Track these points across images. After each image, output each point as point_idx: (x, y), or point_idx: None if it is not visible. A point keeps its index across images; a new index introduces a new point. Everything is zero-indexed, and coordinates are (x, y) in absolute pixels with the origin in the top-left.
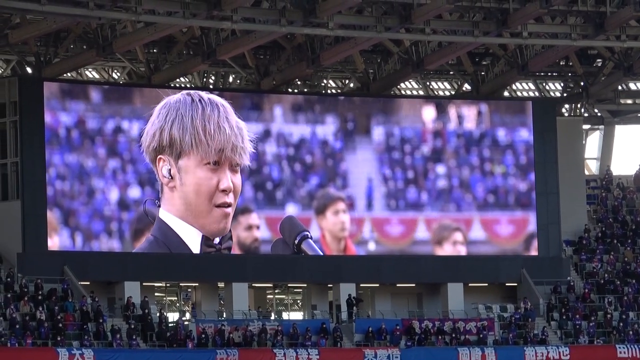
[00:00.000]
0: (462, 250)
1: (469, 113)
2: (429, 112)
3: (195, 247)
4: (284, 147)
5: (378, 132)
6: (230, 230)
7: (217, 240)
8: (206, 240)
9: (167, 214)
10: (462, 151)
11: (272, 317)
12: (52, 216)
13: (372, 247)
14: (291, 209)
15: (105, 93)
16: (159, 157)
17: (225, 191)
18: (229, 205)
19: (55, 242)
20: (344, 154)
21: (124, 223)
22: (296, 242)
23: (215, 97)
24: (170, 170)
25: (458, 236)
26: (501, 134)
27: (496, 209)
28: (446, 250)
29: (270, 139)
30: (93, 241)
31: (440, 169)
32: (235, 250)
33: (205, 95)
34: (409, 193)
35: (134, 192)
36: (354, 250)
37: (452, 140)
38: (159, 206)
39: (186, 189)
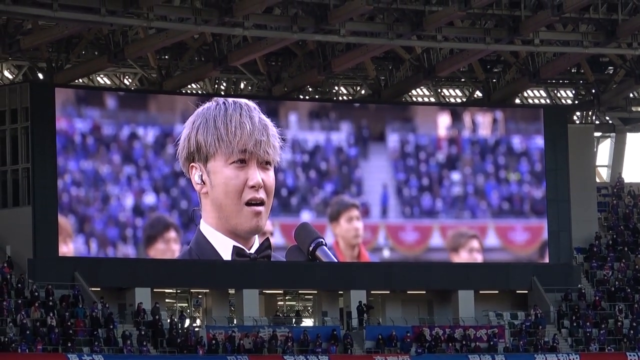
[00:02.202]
0: (478, 258)
1: (484, 120)
2: (444, 120)
3: (227, 258)
4: (299, 154)
5: (393, 139)
6: (268, 239)
7: (253, 250)
8: (238, 251)
9: (204, 225)
10: (477, 158)
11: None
12: (67, 222)
13: (386, 254)
14: (306, 216)
15: (121, 99)
16: (191, 165)
17: (254, 187)
18: (260, 202)
19: (70, 248)
20: (359, 161)
21: (138, 229)
22: (311, 249)
23: (241, 99)
24: (201, 175)
25: (475, 243)
26: (516, 141)
27: (511, 216)
28: (462, 257)
29: (285, 145)
30: (108, 247)
31: (455, 176)
32: None
33: (232, 99)
34: (424, 200)
35: (149, 199)
36: (368, 257)
37: (467, 148)
38: (200, 215)
39: (216, 191)
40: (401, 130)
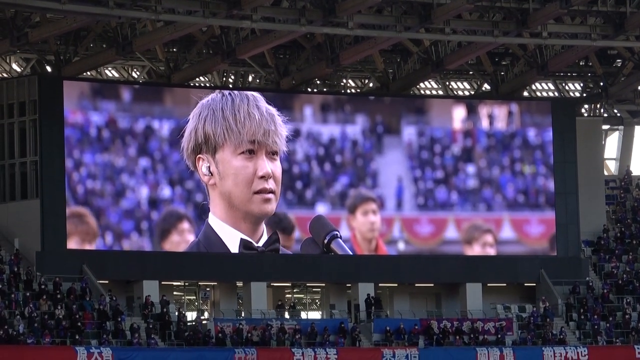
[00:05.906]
0: (491, 252)
1: (500, 113)
2: (459, 112)
3: (235, 251)
4: (313, 146)
5: (408, 132)
6: (276, 232)
7: (261, 243)
8: (245, 243)
9: (213, 218)
10: (493, 151)
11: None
12: (92, 221)
13: (401, 246)
14: (321, 209)
15: (136, 93)
16: (197, 157)
17: (264, 177)
18: (269, 191)
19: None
20: (374, 154)
21: (154, 222)
22: (326, 241)
23: (247, 91)
24: (209, 167)
25: (488, 238)
26: (531, 134)
27: (526, 208)
28: (475, 250)
29: (300, 138)
30: (123, 240)
31: (471, 168)
32: None
33: (236, 91)
34: (439, 193)
35: (165, 192)
36: (386, 250)
37: (482, 140)
38: (209, 209)
39: (225, 182)
40: (416, 123)
